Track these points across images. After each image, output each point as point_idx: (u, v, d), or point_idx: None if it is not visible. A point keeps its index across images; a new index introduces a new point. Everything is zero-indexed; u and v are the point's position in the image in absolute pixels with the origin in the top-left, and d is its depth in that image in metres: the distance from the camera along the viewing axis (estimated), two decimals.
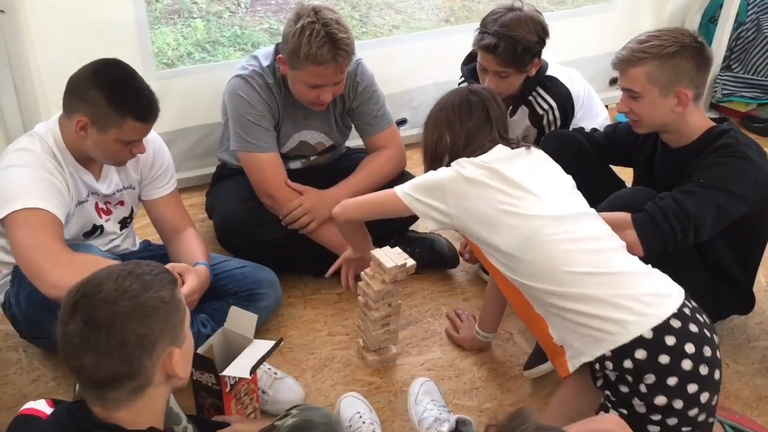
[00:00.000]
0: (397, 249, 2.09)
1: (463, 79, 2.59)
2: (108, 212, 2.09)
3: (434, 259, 2.53)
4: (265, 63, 2.38)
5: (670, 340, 1.60)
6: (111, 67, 1.89)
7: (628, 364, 1.61)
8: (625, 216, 1.96)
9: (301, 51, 2.18)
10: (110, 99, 1.83)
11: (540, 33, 2.33)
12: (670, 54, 1.94)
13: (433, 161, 1.93)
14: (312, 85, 2.27)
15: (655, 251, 1.92)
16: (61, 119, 1.94)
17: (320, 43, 2.16)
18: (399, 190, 1.88)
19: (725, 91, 3.48)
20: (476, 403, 2.12)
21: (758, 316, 2.43)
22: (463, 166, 1.80)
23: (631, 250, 1.83)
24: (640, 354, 1.59)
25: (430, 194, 1.82)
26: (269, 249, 2.36)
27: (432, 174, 1.85)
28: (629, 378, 1.62)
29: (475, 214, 1.77)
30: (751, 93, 3.48)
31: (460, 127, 1.89)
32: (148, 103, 1.88)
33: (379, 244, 2.48)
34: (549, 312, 1.75)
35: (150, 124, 1.92)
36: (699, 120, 2.04)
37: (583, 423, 1.34)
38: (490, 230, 1.76)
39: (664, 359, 1.59)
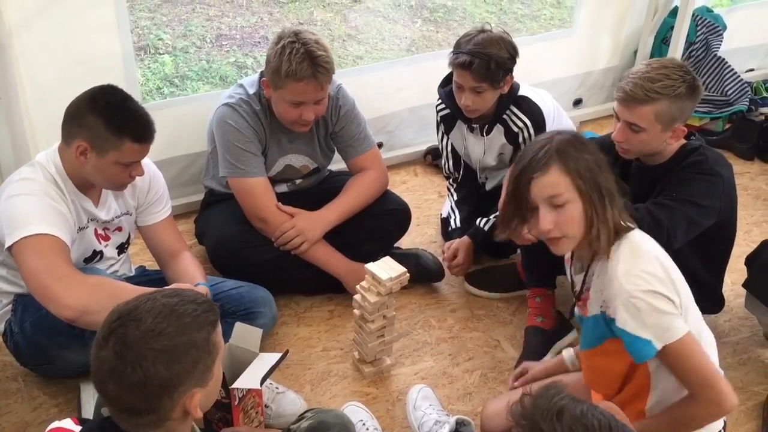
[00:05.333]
0: (389, 259, 2.18)
1: (440, 101, 2.71)
2: (106, 238, 2.14)
3: (420, 273, 2.61)
4: (251, 91, 2.47)
5: None
6: (106, 92, 1.96)
7: None
8: None
9: (282, 69, 2.28)
10: (107, 122, 1.90)
11: (510, 51, 2.48)
12: (680, 95, 2.04)
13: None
14: (294, 103, 2.35)
15: None
16: (61, 147, 1.99)
17: (300, 59, 2.26)
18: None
19: None
20: (470, 407, 2.21)
21: (727, 314, 2.57)
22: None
23: None
24: None
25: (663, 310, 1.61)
26: (263, 270, 2.42)
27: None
28: None
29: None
30: (704, 108, 3.67)
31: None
32: (144, 124, 1.96)
33: (367, 261, 2.58)
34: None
35: (147, 145, 1.99)
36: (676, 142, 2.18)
37: None
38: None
39: None
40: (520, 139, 2.60)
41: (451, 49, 2.51)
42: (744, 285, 2.41)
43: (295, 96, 2.34)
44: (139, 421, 1.29)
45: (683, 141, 2.19)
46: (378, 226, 2.61)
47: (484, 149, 2.70)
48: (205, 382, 1.33)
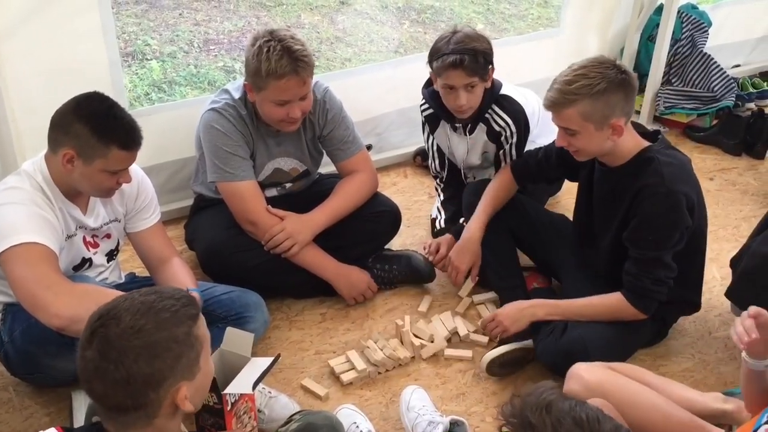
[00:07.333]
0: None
1: (424, 101, 2.71)
2: (95, 245, 2.14)
3: (411, 274, 2.63)
4: (237, 95, 2.45)
5: None
6: (92, 99, 1.95)
7: None
8: (619, 300, 2.20)
9: (262, 68, 2.27)
10: (94, 130, 1.89)
11: (489, 43, 2.50)
12: (600, 91, 2.03)
13: None
14: (279, 102, 2.33)
15: (653, 311, 2.21)
16: (47, 156, 1.98)
17: (278, 56, 2.25)
18: None
19: (667, 104, 3.69)
20: (464, 407, 2.21)
21: (717, 308, 2.59)
22: None
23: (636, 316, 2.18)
24: None
25: None
26: (254, 274, 2.42)
27: None
28: None
29: None
30: (691, 104, 3.69)
31: None
32: (131, 131, 1.95)
33: (357, 263, 2.59)
34: None
35: (134, 152, 1.98)
36: (630, 140, 2.17)
37: None
38: None
39: None
40: (503, 138, 2.62)
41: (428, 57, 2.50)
42: (726, 294, 2.39)
43: (279, 95, 2.31)
44: (128, 419, 1.30)
45: (642, 143, 2.17)
46: (369, 228, 2.61)
47: (467, 148, 2.71)
48: (193, 375, 1.33)
